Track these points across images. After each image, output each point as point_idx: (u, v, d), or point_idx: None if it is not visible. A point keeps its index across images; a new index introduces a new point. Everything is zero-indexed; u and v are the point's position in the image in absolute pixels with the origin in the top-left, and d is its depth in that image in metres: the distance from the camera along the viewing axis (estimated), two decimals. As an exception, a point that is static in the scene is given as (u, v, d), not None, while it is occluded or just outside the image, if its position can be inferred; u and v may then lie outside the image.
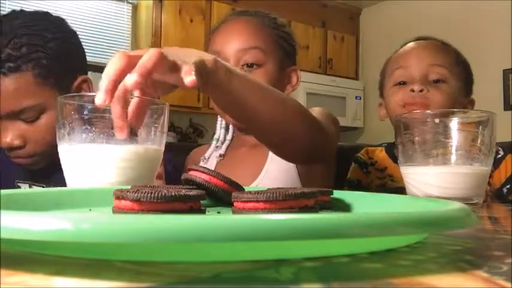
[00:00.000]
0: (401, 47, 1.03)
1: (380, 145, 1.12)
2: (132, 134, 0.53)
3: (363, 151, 1.13)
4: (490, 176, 0.90)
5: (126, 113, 0.51)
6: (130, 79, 0.47)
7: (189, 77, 0.49)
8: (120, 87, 0.48)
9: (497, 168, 0.90)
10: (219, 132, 1.05)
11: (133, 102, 0.53)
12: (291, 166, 0.88)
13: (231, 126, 1.04)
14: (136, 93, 0.53)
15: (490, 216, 0.52)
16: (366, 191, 0.53)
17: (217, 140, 1.05)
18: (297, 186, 0.87)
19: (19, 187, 0.88)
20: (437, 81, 0.92)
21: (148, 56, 0.48)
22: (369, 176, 1.07)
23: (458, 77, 0.95)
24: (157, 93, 0.57)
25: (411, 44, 1.01)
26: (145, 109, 0.54)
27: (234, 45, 0.88)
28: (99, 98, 0.47)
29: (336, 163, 0.96)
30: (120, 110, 0.50)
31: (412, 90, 0.91)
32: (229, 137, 1.04)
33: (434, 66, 0.93)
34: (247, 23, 0.92)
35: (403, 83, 0.95)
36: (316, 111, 0.86)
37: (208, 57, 0.56)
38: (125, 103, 0.51)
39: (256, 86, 0.64)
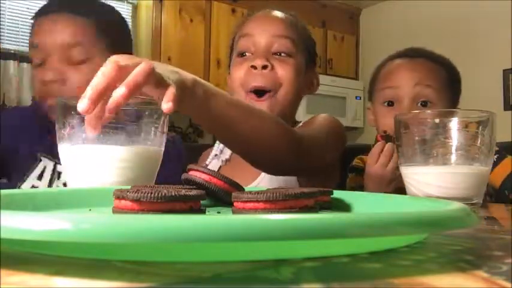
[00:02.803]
0: (391, 58, 1.03)
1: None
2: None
3: (357, 159, 1.12)
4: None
5: (100, 114, 0.51)
6: (119, 92, 0.47)
7: (166, 104, 0.50)
8: (110, 102, 0.48)
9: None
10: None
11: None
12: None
13: None
14: None
15: (490, 216, 0.52)
16: None
17: (218, 147, 1.06)
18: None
19: (41, 160, 0.91)
20: (424, 103, 0.93)
21: (139, 70, 0.48)
22: None
23: (447, 97, 0.96)
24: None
25: (400, 62, 1.00)
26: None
27: (268, 31, 0.91)
28: (83, 104, 0.46)
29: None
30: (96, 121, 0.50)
31: None
32: None
33: (421, 88, 0.93)
34: (283, 15, 0.95)
35: (391, 104, 0.97)
36: (318, 121, 0.86)
37: (189, 77, 0.58)
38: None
39: (236, 104, 0.65)
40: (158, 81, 0.51)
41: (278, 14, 0.95)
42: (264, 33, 0.91)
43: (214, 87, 0.62)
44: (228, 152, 1.02)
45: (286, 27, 0.92)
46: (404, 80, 0.95)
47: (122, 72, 0.48)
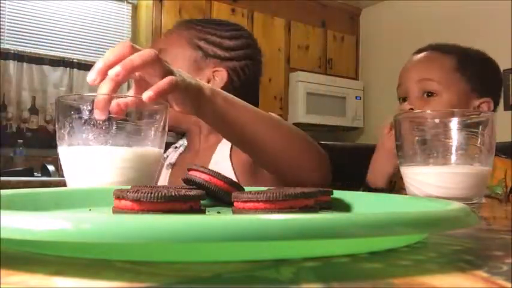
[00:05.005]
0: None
1: None
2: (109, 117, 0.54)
3: None
4: None
5: (110, 96, 0.52)
6: (113, 70, 0.49)
7: (146, 92, 0.50)
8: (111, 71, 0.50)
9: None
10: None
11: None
12: (232, 174, 0.86)
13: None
14: (131, 92, 0.56)
15: (490, 216, 0.52)
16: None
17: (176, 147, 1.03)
18: None
19: None
20: (430, 94, 0.95)
21: (141, 53, 0.50)
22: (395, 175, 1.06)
23: (457, 85, 0.96)
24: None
25: (409, 59, 1.03)
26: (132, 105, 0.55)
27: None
28: (90, 76, 0.50)
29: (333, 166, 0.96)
30: (105, 91, 0.51)
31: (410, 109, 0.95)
32: (182, 144, 1.02)
33: (423, 82, 0.96)
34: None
35: (404, 100, 0.99)
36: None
37: (207, 85, 0.59)
38: (114, 87, 0.52)
39: (262, 116, 0.65)
40: (165, 73, 0.52)
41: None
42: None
43: (236, 98, 0.63)
44: (174, 157, 0.99)
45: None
46: (407, 76, 0.99)
47: (132, 52, 0.50)
